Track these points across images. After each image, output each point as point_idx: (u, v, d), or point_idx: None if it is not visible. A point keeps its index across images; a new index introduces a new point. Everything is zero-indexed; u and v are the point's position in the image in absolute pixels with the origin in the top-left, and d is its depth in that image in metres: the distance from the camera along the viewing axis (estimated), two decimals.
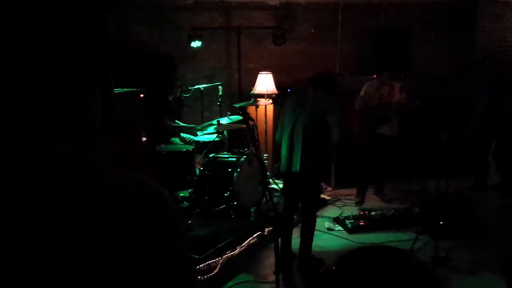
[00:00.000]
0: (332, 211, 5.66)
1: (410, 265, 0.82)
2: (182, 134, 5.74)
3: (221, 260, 4.16)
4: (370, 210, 5.45)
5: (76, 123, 0.80)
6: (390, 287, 0.76)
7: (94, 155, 0.82)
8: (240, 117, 5.64)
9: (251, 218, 5.05)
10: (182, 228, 0.85)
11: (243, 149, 5.37)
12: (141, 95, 4.50)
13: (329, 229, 5.12)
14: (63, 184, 0.76)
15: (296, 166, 4.06)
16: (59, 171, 0.77)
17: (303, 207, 4.28)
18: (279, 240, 4.15)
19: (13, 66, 0.74)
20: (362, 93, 5.81)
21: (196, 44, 6.44)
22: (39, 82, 0.75)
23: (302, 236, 4.26)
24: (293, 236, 4.90)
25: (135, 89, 4.39)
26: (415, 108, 5.79)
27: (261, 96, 6.31)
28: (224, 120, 5.53)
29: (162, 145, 5.39)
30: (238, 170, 5.03)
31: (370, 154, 5.78)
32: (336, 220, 5.26)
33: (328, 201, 6.03)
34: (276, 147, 4.37)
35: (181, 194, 5.66)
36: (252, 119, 5.63)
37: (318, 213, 5.57)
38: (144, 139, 4.68)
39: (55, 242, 0.72)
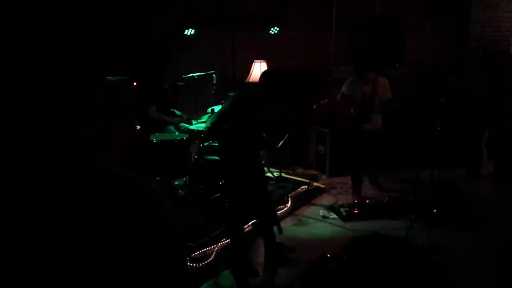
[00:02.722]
0: (327, 199, 5.68)
1: (411, 254, 0.82)
2: (181, 124, 5.72)
3: (216, 248, 4.18)
4: (364, 198, 5.48)
5: (80, 118, 0.79)
6: (391, 274, 0.76)
7: (97, 151, 0.81)
8: None
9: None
10: (178, 233, 0.84)
11: None
12: (134, 84, 4.47)
13: (324, 216, 5.14)
14: (67, 183, 0.75)
15: None
16: (63, 169, 0.76)
17: None
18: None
19: (14, 63, 0.72)
20: (344, 89, 5.61)
21: (189, 32, 6.39)
22: (41, 78, 0.73)
23: None
24: (288, 225, 4.95)
25: (127, 78, 4.36)
26: (393, 109, 5.48)
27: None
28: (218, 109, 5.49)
29: (157, 134, 5.37)
30: None
31: (356, 150, 5.61)
32: (331, 208, 5.28)
33: (324, 189, 6.05)
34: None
35: (176, 183, 5.65)
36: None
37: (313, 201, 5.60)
38: (137, 127, 4.66)
39: (52, 241, 0.72)
